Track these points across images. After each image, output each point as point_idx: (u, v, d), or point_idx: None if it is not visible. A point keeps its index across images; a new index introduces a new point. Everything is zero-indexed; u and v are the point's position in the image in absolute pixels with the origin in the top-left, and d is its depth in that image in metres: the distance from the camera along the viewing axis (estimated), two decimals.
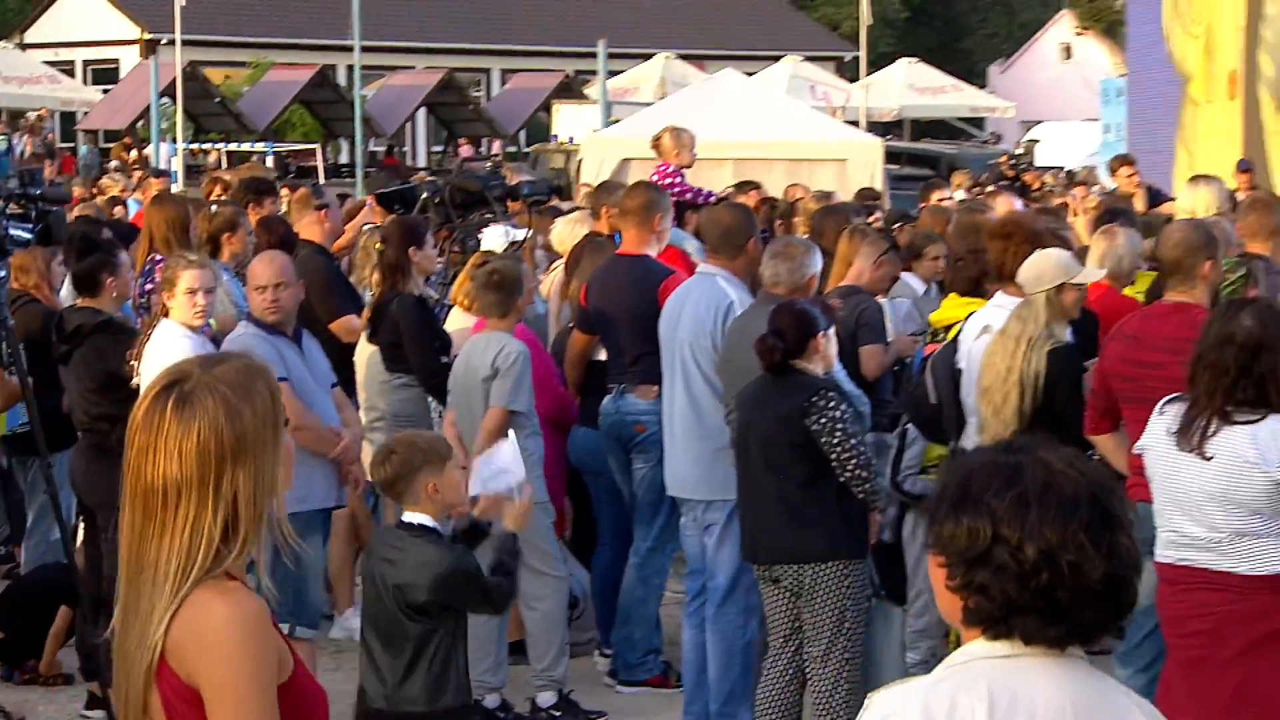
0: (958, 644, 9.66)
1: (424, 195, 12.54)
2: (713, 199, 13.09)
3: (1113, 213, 12.00)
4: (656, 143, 13.39)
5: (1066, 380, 8.41)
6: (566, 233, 12.52)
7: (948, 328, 9.96)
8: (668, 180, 12.79)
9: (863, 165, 25.82)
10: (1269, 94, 24.65)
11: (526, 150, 47.04)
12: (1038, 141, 45.87)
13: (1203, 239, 7.87)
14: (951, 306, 9.96)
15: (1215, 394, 6.57)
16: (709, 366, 8.87)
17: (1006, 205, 13.11)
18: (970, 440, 9.01)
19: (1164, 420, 6.79)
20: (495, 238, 11.49)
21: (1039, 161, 40.45)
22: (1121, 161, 18.66)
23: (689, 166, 13.34)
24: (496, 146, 50.46)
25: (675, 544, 9.88)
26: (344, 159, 51.32)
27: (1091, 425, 8.06)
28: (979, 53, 72.19)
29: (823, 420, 7.88)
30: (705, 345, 8.85)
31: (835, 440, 7.89)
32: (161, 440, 3.69)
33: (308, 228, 11.49)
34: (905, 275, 10.78)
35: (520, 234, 12.23)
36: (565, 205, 14.19)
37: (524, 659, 9.59)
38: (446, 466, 6.70)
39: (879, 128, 41.39)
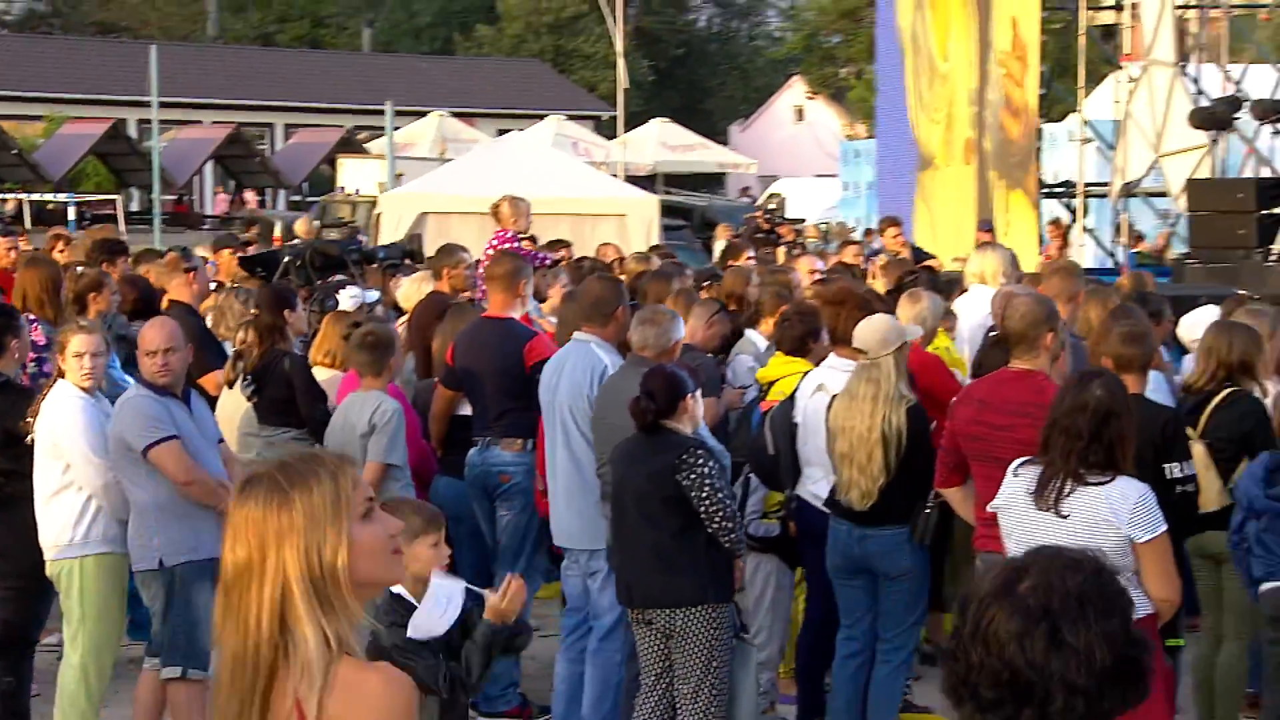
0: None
1: (286, 259, 12.41)
2: (548, 261, 13.09)
3: (914, 276, 12.16)
4: (496, 210, 13.36)
5: (923, 435, 8.57)
6: (412, 291, 12.48)
7: (772, 383, 10.10)
8: (506, 245, 12.78)
9: (641, 220, 25.91)
10: (992, 164, 25.50)
11: (310, 200, 46.72)
12: (778, 195, 46.42)
13: (1046, 312, 7.91)
14: (778, 364, 10.04)
15: (1070, 457, 6.62)
16: (587, 426, 8.82)
17: (808, 266, 13.21)
18: (805, 489, 9.13)
19: (1020, 481, 6.83)
20: (350, 299, 11.38)
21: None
22: (889, 223, 18.93)
23: (525, 232, 13.31)
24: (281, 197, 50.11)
25: (536, 584, 9.87)
26: (134, 207, 50.46)
27: (942, 479, 8.11)
28: (719, 113, 73.00)
29: (693, 476, 7.86)
30: (583, 407, 8.81)
31: (704, 495, 7.87)
32: (231, 528, 3.67)
33: (177, 289, 11.29)
34: (749, 332, 10.85)
35: (372, 295, 12.15)
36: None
37: None
38: (415, 541, 6.54)
39: (636, 182, 41.70)
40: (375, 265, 13.51)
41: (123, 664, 9.42)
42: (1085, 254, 24.23)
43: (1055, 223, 24.77)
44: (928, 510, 8.43)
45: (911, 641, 8.90)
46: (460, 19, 70.06)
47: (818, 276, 12.86)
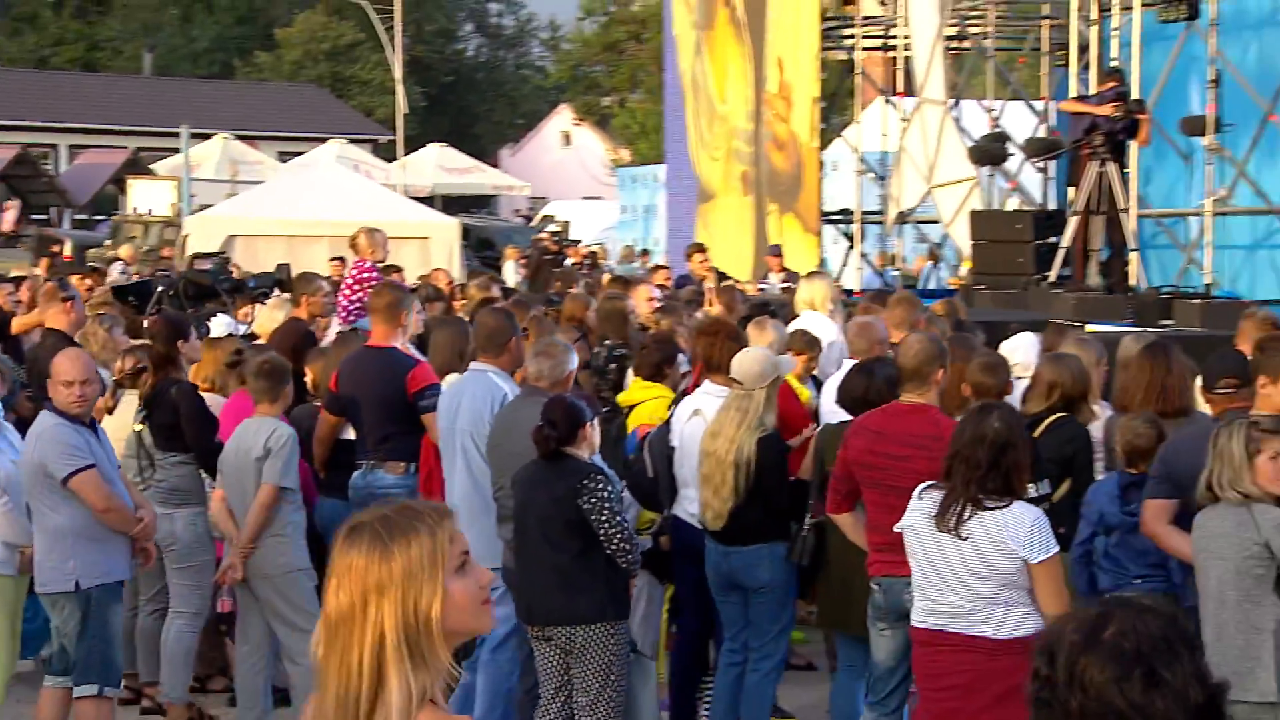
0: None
1: (159, 289, 12.22)
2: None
3: (762, 306, 12.27)
4: (354, 242, 13.29)
5: (775, 464, 8.68)
6: (268, 318, 12.38)
7: (632, 406, 10.18)
8: (365, 275, 12.72)
9: (443, 243, 25.95)
10: (765, 194, 26.03)
11: (98, 218, 45.97)
12: (552, 217, 46.54)
13: (936, 351, 8.02)
14: (637, 389, 10.13)
15: (969, 484, 6.72)
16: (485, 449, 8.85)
17: (645, 294, 13.25)
18: (682, 509, 9.21)
19: (924, 505, 6.93)
20: (221, 327, 11.24)
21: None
22: (696, 249, 19.09)
23: (383, 262, 13.25)
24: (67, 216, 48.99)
25: None
26: None
27: (834, 505, 8.17)
28: (488, 138, 72.95)
29: (593, 500, 7.89)
30: (484, 432, 8.79)
31: (604, 518, 7.90)
32: (335, 574, 3.65)
33: (55, 317, 11.12)
34: None
35: (244, 327, 12.03)
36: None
37: (288, 706, 9.44)
38: None
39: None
40: (246, 294, 13.36)
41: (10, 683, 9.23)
42: (859, 277, 24.74)
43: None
44: (804, 533, 8.55)
45: (779, 651, 9.00)
46: (239, 44, 69.19)
47: (656, 304, 12.95)
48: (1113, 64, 18.17)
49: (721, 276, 18.44)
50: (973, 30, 25.34)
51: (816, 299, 12.33)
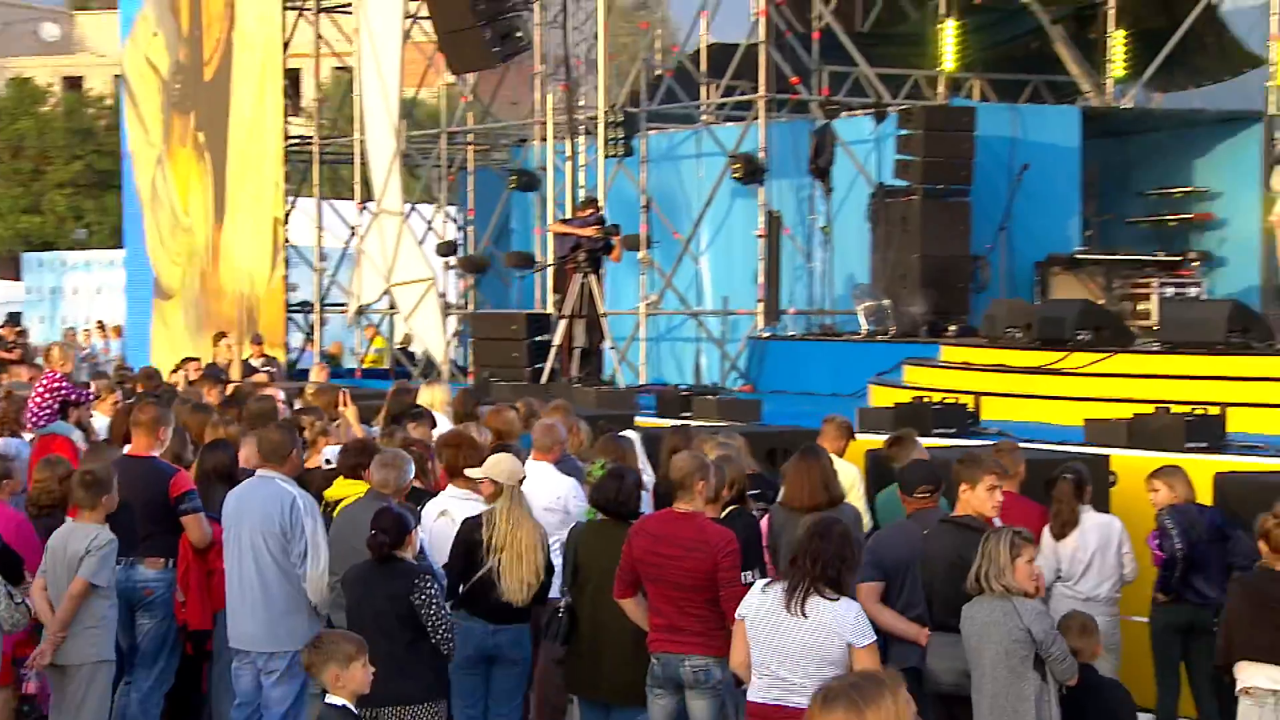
0: None
1: None
2: (92, 398, 12.43)
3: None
4: (47, 354, 12.62)
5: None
6: None
7: (338, 502, 10.14)
8: (55, 384, 12.09)
9: None
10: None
11: None
12: None
13: (699, 465, 8.20)
14: (341, 486, 10.09)
15: (808, 578, 7.05)
16: (277, 549, 8.62)
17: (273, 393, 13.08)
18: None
19: (767, 596, 7.17)
20: None
21: None
22: (220, 335, 18.76)
23: (71, 374, 12.57)
24: None
25: (169, 683, 9.52)
26: None
27: (619, 592, 8.20)
28: None
29: (423, 598, 7.90)
30: (274, 531, 8.61)
31: (432, 612, 7.91)
32: None
33: None
34: None
35: None
36: None
37: None
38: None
39: None
40: None
41: None
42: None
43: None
44: (560, 615, 8.65)
45: (518, 714, 9.19)
46: None
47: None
48: (591, 196, 19.09)
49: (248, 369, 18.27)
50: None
51: (436, 401, 12.53)
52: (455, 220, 25.02)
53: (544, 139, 21.68)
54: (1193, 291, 20.37)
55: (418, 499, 9.41)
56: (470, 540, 8.69)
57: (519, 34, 17.84)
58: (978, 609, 7.50)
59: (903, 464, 9.79)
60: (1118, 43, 21.46)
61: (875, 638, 7.15)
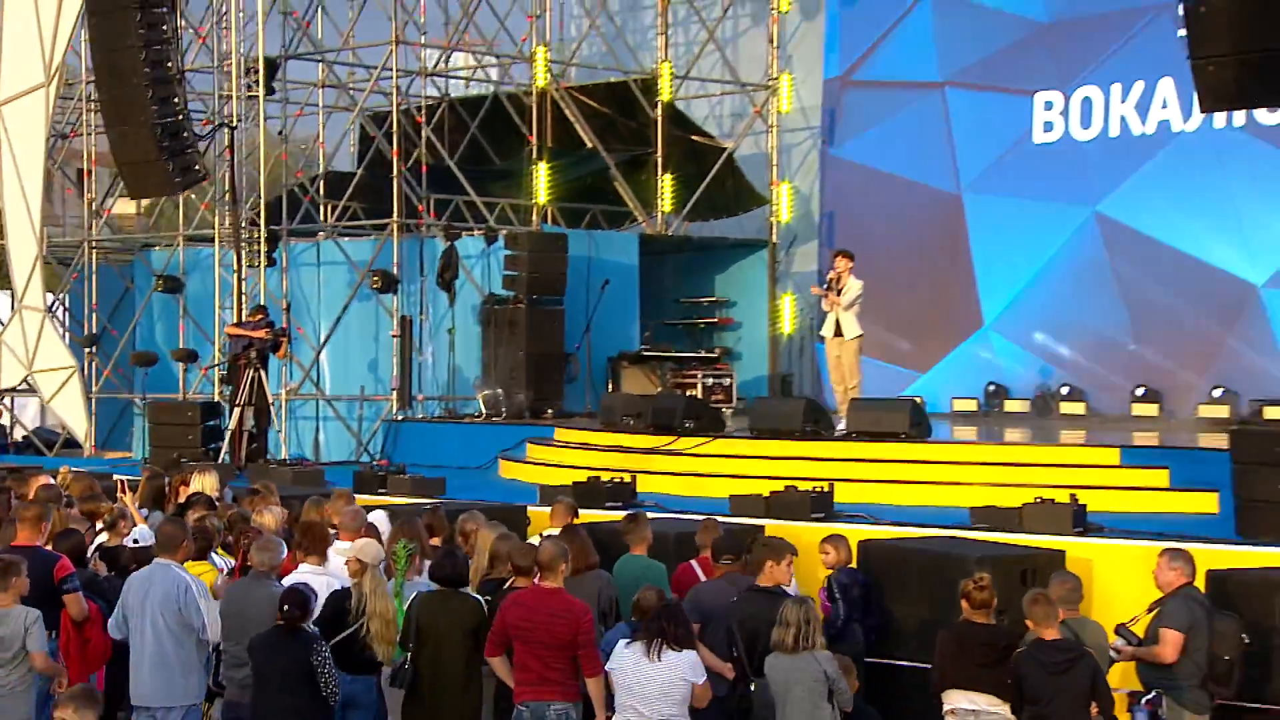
0: None
1: None
2: None
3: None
4: None
5: None
6: None
7: None
8: None
9: None
10: None
11: None
12: None
13: (562, 551, 8.71)
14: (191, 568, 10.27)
15: (662, 636, 8.07)
16: (175, 622, 8.92)
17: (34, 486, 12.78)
18: None
19: (631, 651, 8.11)
20: None
21: None
22: None
23: None
24: None
25: None
26: None
27: (491, 651, 8.66)
28: None
29: (319, 659, 8.37)
30: (173, 609, 8.91)
31: (325, 671, 8.38)
32: None
33: None
34: None
35: None
36: None
37: None
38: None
39: None
40: None
41: None
42: None
43: None
44: (406, 666, 8.97)
45: None
46: None
47: None
48: (260, 304, 19.39)
49: None
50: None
51: (207, 486, 12.72)
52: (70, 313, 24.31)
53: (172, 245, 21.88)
54: (726, 382, 22.34)
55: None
56: (340, 608, 9.06)
57: (198, 167, 17.98)
58: (780, 659, 8.38)
59: (629, 534, 10.81)
60: (666, 185, 23.32)
61: (706, 676, 8.17)
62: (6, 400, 24.03)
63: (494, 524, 10.84)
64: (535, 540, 10.37)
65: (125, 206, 25.19)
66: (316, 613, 8.83)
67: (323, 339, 21.34)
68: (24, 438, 24.17)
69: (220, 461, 17.60)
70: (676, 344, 23.29)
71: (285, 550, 9.31)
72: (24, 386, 23.24)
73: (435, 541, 10.72)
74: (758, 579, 9.32)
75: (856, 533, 11.66)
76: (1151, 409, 20.20)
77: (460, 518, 11.08)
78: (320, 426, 21.89)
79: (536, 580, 8.82)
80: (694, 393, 21.25)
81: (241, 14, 20.74)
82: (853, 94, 23.72)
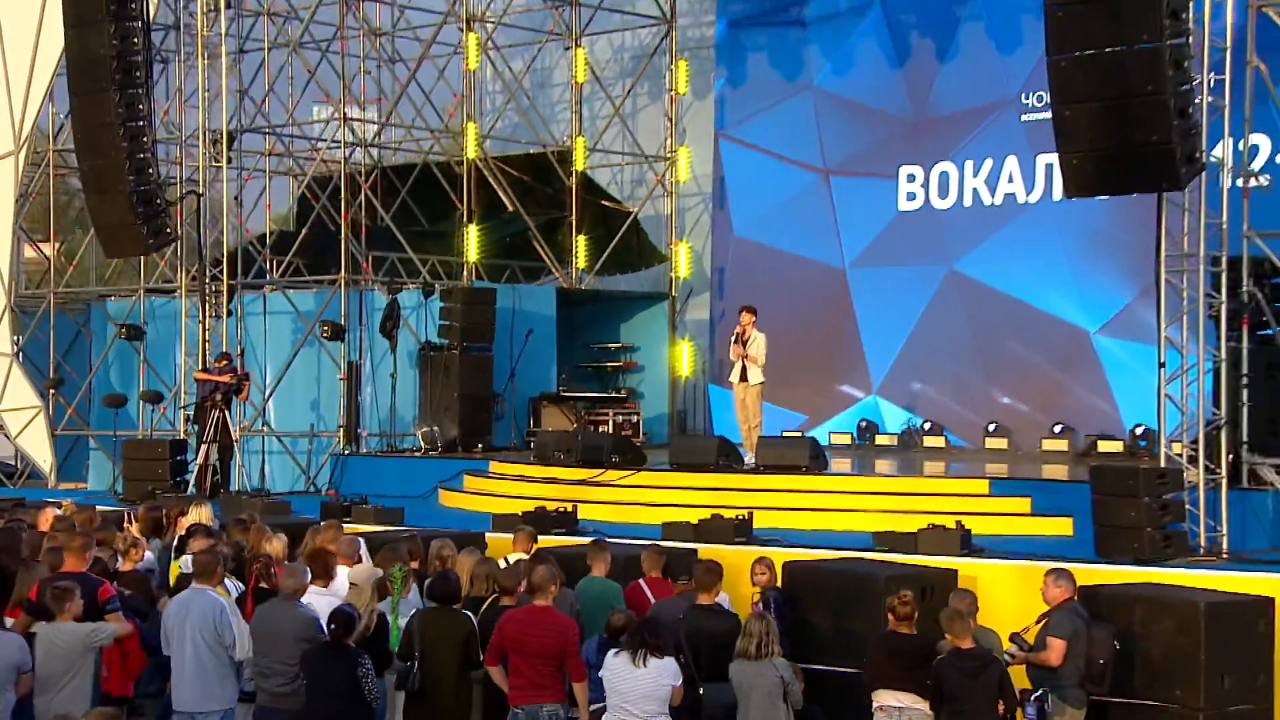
0: None
1: None
2: None
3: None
4: None
5: None
6: None
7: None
8: None
9: None
10: None
11: None
12: None
13: (553, 575, 9.12)
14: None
15: (645, 646, 8.62)
16: (211, 639, 9.29)
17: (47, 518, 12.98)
18: None
19: (619, 658, 8.64)
20: None
21: None
22: None
23: None
24: None
25: None
26: None
27: (489, 660, 9.06)
28: None
29: (364, 672, 8.75)
30: (209, 628, 9.29)
31: (369, 683, 8.75)
32: None
33: None
34: None
35: None
36: None
37: None
38: None
39: None
40: None
41: None
42: None
43: None
44: (414, 671, 9.33)
45: None
46: None
47: None
48: (224, 350, 19.62)
49: None
50: None
51: (203, 517, 13.00)
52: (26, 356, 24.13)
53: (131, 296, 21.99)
54: (634, 419, 22.94)
55: (265, 597, 10.18)
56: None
57: (169, 230, 18.23)
58: (748, 665, 8.99)
59: (592, 558, 11.33)
60: (580, 244, 23.95)
61: (684, 681, 8.77)
62: None
63: (470, 549, 11.33)
64: (502, 562, 10.93)
65: (30, 251, 25.09)
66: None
67: (271, 381, 21.55)
68: None
69: (189, 493, 17.79)
70: (589, 385, 23.86)
71: (309, 577, 9.68)
72: None
73: (414, 565, 11.13)
74: (699, 598, 9.91)
75: (778, 555, 12.28)
76: (1001, 442, 21.01)
77: (434, 543, 11.51)
78: (265, 459, 22.06)
79: (519, 599, 9.32)
80: (605, 429, 21.83)
81: (207, 93, 20.98)
82: (741, 169, 24.43)
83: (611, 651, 8.85)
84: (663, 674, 8.64)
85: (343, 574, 10.17)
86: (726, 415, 22.60)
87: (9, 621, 9.49)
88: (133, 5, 17.21)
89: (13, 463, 23.62)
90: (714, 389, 23.97)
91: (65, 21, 17.71)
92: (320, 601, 9.81)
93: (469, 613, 9.65)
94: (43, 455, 22.59)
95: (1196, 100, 12.10)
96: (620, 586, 11.04)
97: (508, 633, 9.05)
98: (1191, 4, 12.05)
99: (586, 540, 12.56)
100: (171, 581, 11.26)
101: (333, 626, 8.84)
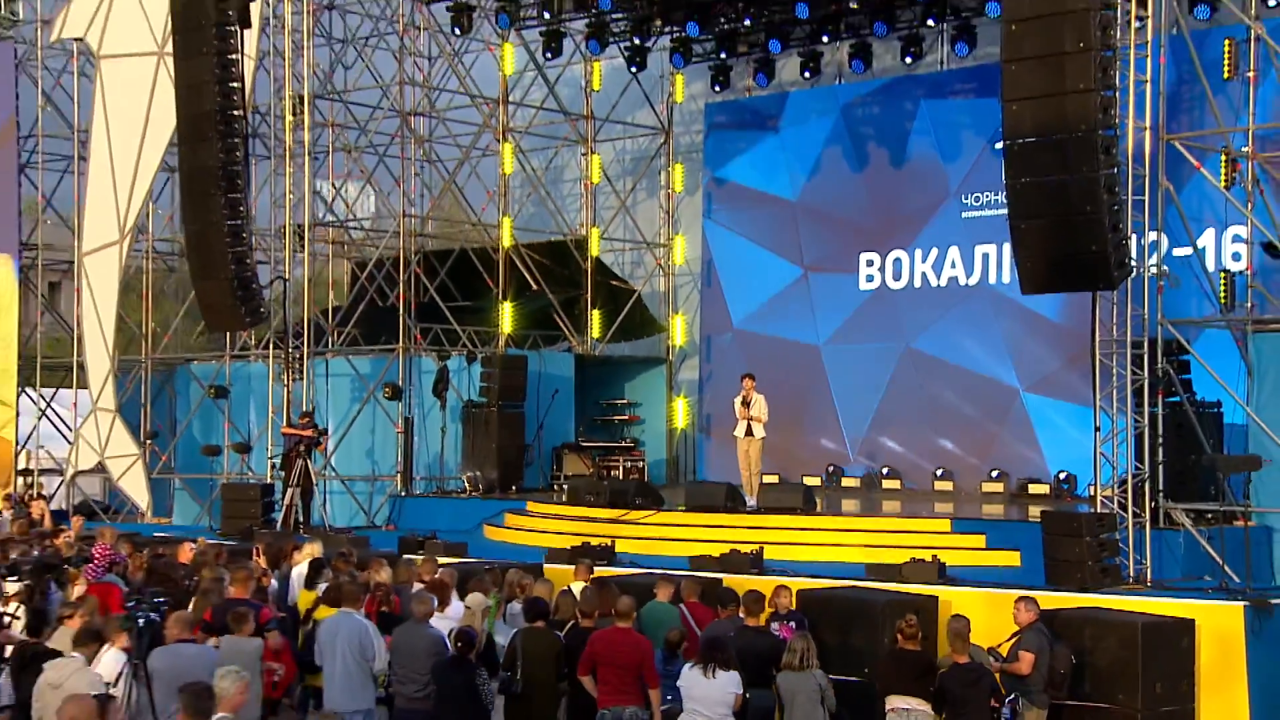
0: None
1: None
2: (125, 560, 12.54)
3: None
4: (101, 531, 12.49)
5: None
6: None
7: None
8: (106, 553, 12.17)
9: None
10: None
11: None
12: None
13: (634, 604, 9.79)
14: (306, 597, 11.40)
15: (714, 660, 9.23)
16: (357, 654, 9.83)
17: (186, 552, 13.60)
18: None
19: (694, 670, 9.22)
20: None
21: None
22: None
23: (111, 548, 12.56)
24: None
25: None
26: None
27: (582, 671, 9.60)
28: None
29: (480, 681, 9.37)
30: (355, 645, 9.84)
31: (485, 689, 9.39)
32: None
33: None
34: None
35: None
36: None
37: None
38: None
39: None
40: None
41: None
42: None
43: None
44: (517, 679, 9.81)
45: None
46: None
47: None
48: (309, 407, 20.35)
49: None
50: None
51: (315, 552, 13.56)
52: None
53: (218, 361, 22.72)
54: (640, 465, 23.74)
55: (387, 622, 10.89)
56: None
57: (262, 310, 18.98)
58: (792, 675, 9.62)
59: (658, 587, 11.84)
60: (594, 318, 24.86)
61: (743, 689, 9.42)
62: (67, 478, 24.38)
63: (544, 580, 12.05)
64: (565, 589, 11.62)
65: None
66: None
67: (336, 433, 22.25)
68: (80, 502, 24.39)
69: (278, 529, 18.44)
70: (600, 435, 24.66)
71: (436, 603, 10.40)
72: (96, 469, 23.68)
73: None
74: (747, 620, 10.72)
75: (792, 583, 13.06)
76: (948, 485, 21.84)
77: (510, 573, 12.24)
78: (327, 499, 22.68)
79: (597, 621, 10.04)
80: (617, 473, 22.63)
81: (292, 195, 21.80)
82: (726, 253, 25.34)
83: (687, 665, 9.58)
84: (729, 684, 9.33)
85: (455, 601, 10.87)
86: (715, 460, 23.45)
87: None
88: (236, 125, 18.02)
89: (103, 500, 24.22)
90: (702, 440, 24.80)
91: (180, 138, 18.50)
92: (441, 624, 10.52)
93: (558, 632, 10.40)
94: (140, 496, 23.19)
95: (1123, 218, 13.13)
96: (679, 610, 11.73)
97: (598, 649, 9.68)
98: (1118, 140, 13.11)
99: (628, 570, 13.28)
100: (301, 607, 11.89)
101: (459, 645, 9.57)
